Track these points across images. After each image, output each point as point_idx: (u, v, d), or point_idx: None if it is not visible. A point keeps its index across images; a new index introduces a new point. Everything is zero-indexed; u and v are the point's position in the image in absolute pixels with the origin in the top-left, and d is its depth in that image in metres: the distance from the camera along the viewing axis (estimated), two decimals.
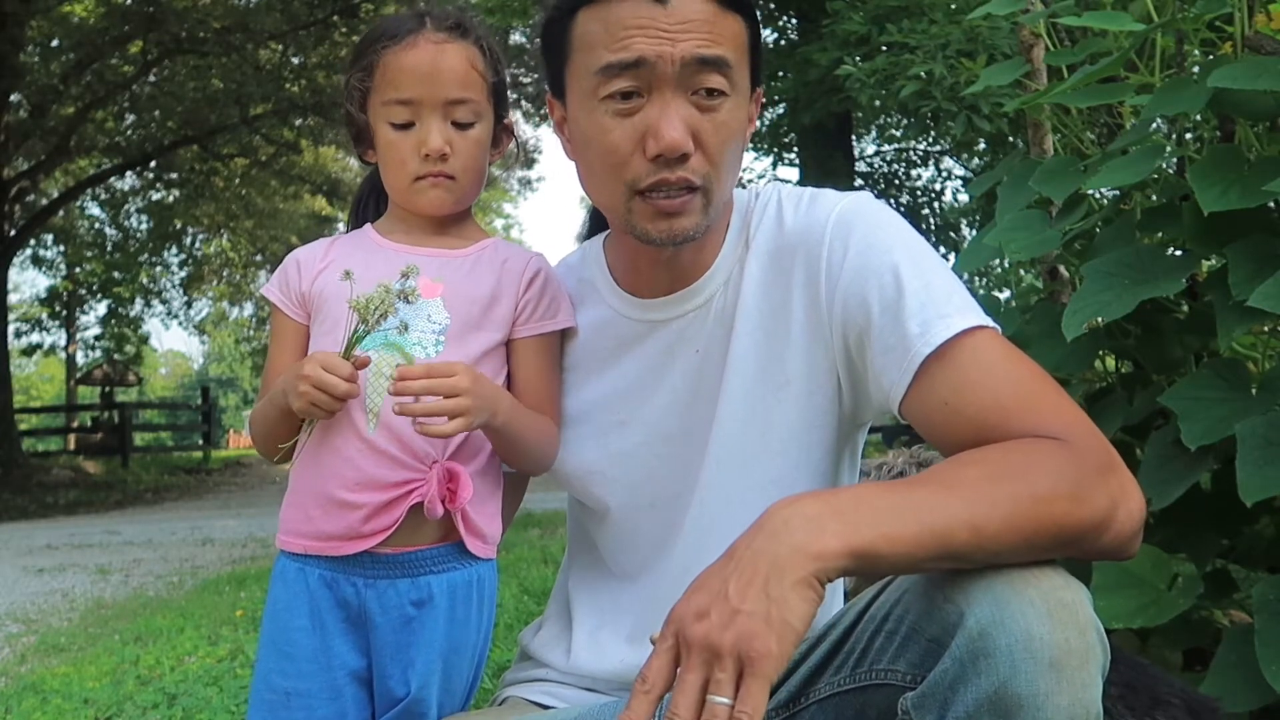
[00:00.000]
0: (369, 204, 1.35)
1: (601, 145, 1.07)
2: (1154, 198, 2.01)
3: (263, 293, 1.30)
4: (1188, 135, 2.13)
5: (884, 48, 7.62)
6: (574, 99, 1.10)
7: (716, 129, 1.06)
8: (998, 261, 2.58)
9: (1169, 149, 1.96)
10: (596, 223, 1.33)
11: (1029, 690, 0.80)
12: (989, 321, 1.05)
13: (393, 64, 1.20)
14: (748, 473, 1.15)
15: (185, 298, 22.63)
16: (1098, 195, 2.06)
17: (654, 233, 1.08)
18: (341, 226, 1.45)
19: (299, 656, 1.17)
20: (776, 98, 10.77)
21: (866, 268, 1.08)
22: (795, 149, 12.03)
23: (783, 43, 11.24)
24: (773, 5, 10.97)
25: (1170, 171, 2.10)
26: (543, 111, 17.89)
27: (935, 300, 1.04)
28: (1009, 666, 0.81)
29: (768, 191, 1.20)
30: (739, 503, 1.15)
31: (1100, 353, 2.05)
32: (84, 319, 23.37)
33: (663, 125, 1.03)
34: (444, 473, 1.16)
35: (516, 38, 16.21)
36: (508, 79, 1.28)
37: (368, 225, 1.30)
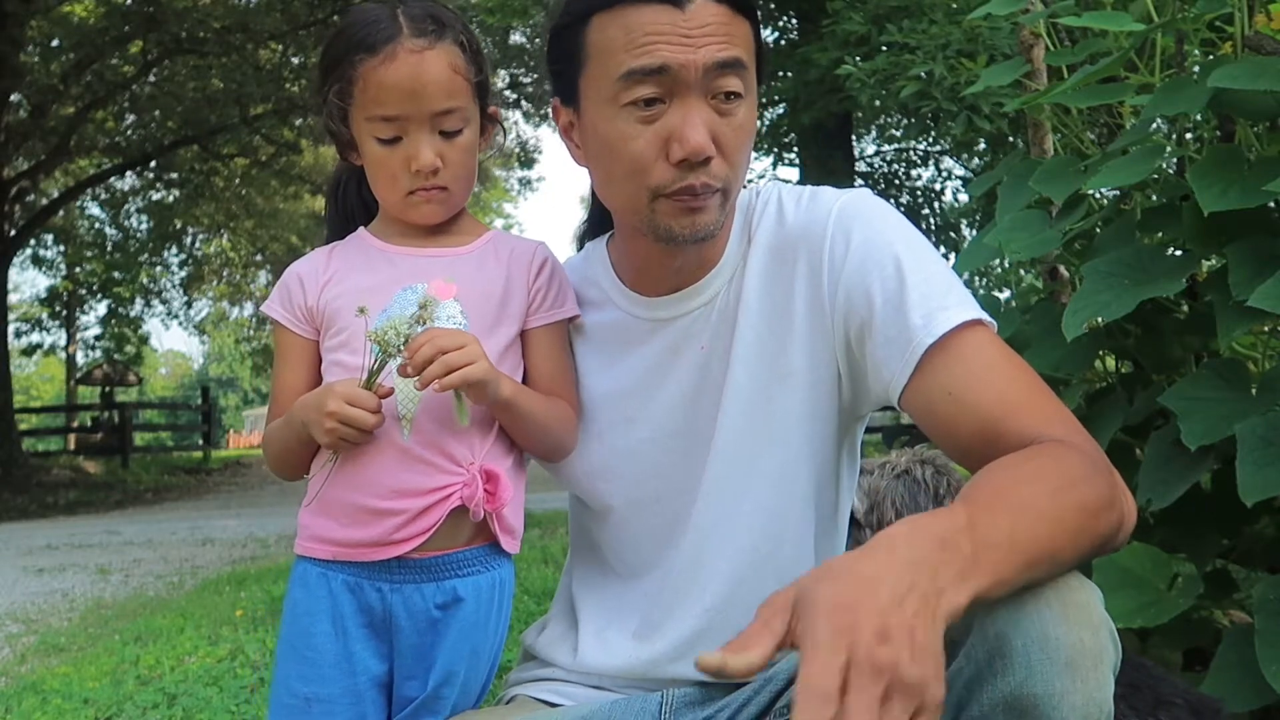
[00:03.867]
0: (349, 192, 1.32)
1: (625, 153, 1.07)
2: (1154, 198, 2.01)
3: (264, 311, 1.28)
4: (1188, 135, 2.13)
5: (884, 48, 7.62)
6: (591, 105, 1.10)
7: (735, 132, 1.08)
8: (998, 261, 2.58)
9: (1169, 149, 1.96)
10: (595, 223, 1.33)
11: (1045, 690, 0.81)
12: (986, 317, 1.07)
13: (373, 80, 1.15)
14: (752, 464, 1.15)
15: (185, 298, 22.65)
16: (1098, 195, 2.06)
17: (677, 230, 1.09)
18: None
19: (320, 662, 1.16)
20: (776, 98, 10.76)
21: (869, 260, 1.10)
22: (795, 149, 12.02)
23: (783, 43, 11.23)
24: (773, 5, 10.96)
25: (1170, 171, 2.10)
26: (543, 111, 17.92)
27: (936, 293, 1.06)
28: (1025, 667, 0.81)
29: (768, 190, 1.21)
30: (743, 495, 1.16)
31: (1100, 353, 2.05)
32: (84, 319, 23.41)
33: (687, 131, 1.04)
34: (483, 474, 1.15)
35: (516, 38, 16.21)
36: (489, 70, 1.24)
37: (361, 229, 1.28)
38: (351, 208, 1.32)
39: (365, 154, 1.21)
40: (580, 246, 1.35)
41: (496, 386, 1.12)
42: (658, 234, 1.10)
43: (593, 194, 1.33)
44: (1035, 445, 0.96)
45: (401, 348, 1.09)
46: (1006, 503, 0.86)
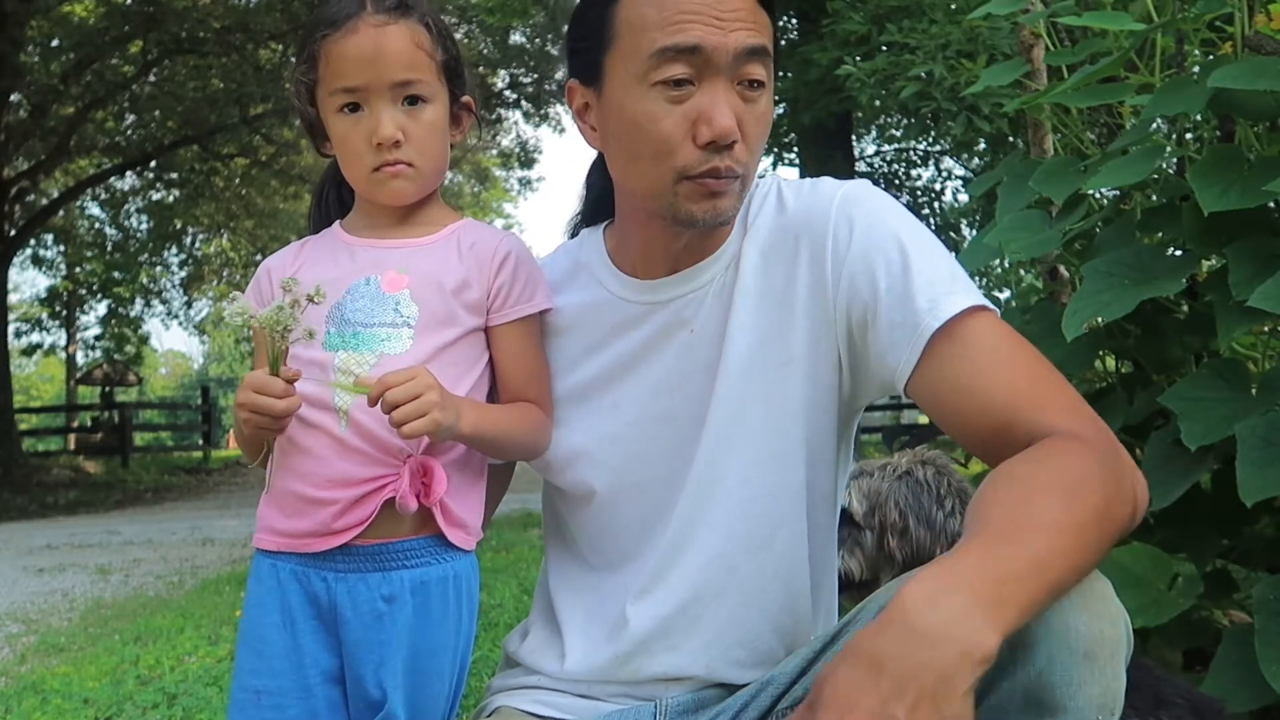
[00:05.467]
0: (329, 193, 1.33)
1: (652, 132, 1.07)
2: (1154, 198, 2.01)
3: None
4: (1188, 135, 2.13)
5: (884, 48, 7.62)
6: (617, 84, 1.09)
7: (757, 120, 1.09)
8: (998, 261, 2.58)
9: (1169, 149, 1.96)
10: (589, 215, 1.32)
11: (1063, 680, 0.82)
12: (990, 304, 1.07)
13: (334, 52, 1.16)
14: (749, 448, 1.14)
15: (185, 298, 22.62)
16: (1098, 195, 2.06)
17: (699, 214, 1.09)
18: None
19: (270, 654, 1.15)
20: (777, 98, 10.73)
21: (873, 246, 1.10)
22: (795, 149, 12.02)
23: (783, 43, 11.21)
24: None
25: (1170, 171, 2.10)
26: (543, 111, 17.90)
27: (941, 279, 1.07)
28: (1045, 657, 0.82)
29: (766, 181, 1.21)
30: (739, 479, 1.14)
31: (1100, 353, 2.05)
32: (84, 319, 23.38)
33: (716, 114, 1.05)
34: (418, 467, 1.13)
35: (516, 38, 16.20)
36: (460, 54, 1.24)
37: (335, 223, 1.28)
38: (330, 207, 1.32)
39: (331, 133, 1.21)
40: (574, 236, 1.34)
41: (453, 430, 1.11)
42: (677, 217, 1.10)
43: (586, 186, 1.32)
44: (1042, 445, 0.96)
45: (284, 333, 1.08)
46: (1023, 524, 0.86)
